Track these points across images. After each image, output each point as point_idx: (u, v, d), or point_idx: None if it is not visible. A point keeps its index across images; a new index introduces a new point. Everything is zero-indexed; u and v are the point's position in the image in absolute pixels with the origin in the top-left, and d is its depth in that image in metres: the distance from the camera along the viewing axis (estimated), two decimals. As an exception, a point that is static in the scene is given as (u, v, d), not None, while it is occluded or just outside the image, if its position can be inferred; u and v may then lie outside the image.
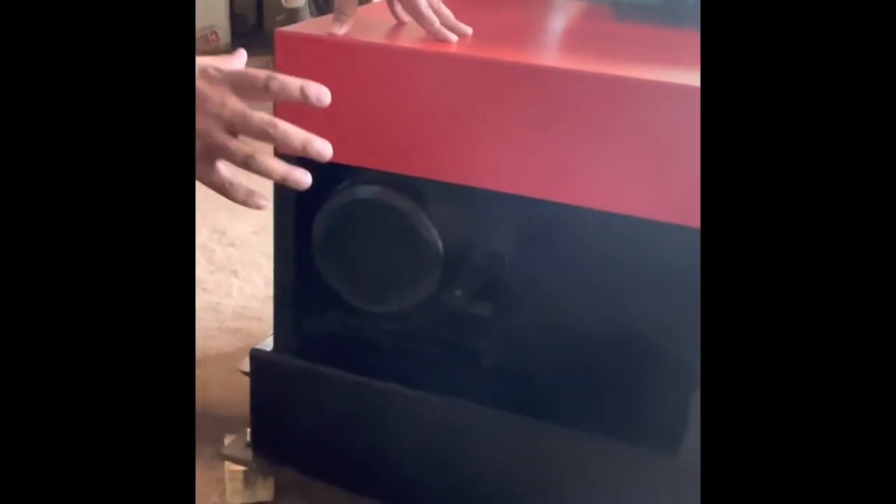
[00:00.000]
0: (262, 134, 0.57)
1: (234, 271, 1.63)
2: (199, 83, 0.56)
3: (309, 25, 0.74)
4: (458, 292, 0.83)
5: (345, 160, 0.72)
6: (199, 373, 1.26)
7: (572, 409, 0.78)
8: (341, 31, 0.70)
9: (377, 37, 0.72)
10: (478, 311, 0.84)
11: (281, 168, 0.58)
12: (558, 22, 0.93)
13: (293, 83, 0.58)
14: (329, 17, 0.74)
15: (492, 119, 0.67)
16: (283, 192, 0.77)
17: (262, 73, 0.58)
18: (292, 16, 3.46)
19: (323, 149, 0.58)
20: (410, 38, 0.71)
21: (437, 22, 0.70)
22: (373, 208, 0.74)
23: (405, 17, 0.74)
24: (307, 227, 0.79)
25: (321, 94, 0.58)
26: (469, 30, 0.73)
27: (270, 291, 0.85)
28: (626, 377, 0.81)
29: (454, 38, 0.71)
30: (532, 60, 0.66)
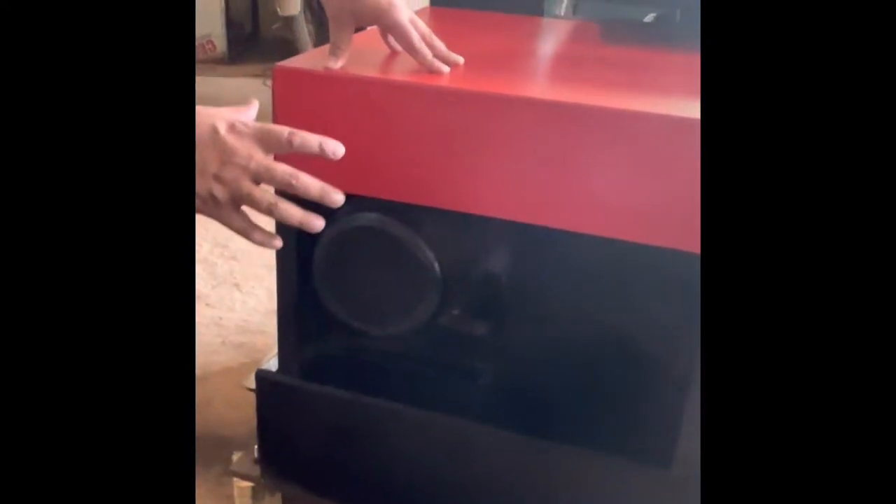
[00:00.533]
0: (285, 185, 0.64)
1: (237, 284, 1.65)
2: (228, 137, 0.61)
3: (306, 59, 0.76)
4: (456, 312, 0.85)
5: (343, 188, 0.74)
6: (204, 390, 1.29)
7: (568, 425, 0.80)
8: (337, 64, 0.72)
9: (372, 69, 0.74)
10: (476, 330, 0.86)
11: (299, 214, 0.65)
12: (547, 46, 0.95)
13: (313, 139, 0.64)
14: (325, 48, 0.76)
15: (483, 148, 0.69)
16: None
17: (284, 130, 0.64)
18: (288, 24, 3.47)
19: (337, 199, 0.66)
20: (404, 70, 0.73)
21: (429, 54, 0.73)
22: (371, 235, 0.76)
23: (398, 46, 0.77)
24: (308, 251, 0.81)
25: (336, 149, 0.64)
26: (461, 59, 0.75)
27: (273, 304, 0.87)
28: (619, 393, 0.84)
29: (446, 69, 0.73)
30: (522, 92, 0.68)
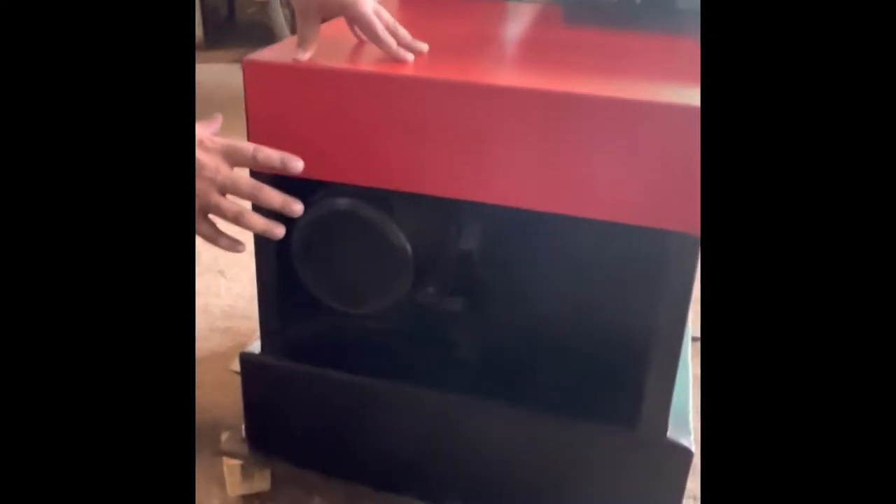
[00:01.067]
0: (250, 196, 0.72)
1: (221, 271, 1.67)
2: (198, 153, 0.67)
3: (275, 51, 0.79)
4: (431, 290, 0.89)
5: (317, 175, 0.78)
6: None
7: (543, 393, 0.85)
8: (305, 56, 0.75)
9: (339, 60, 0.76)
10: (450, 307, 0.90)
11: (262, 222, 0.73)
12: (511, 32, 0.98)
13: (275, 155, 0.72)
14: (293, 39, 0.78)
15: (447, 134, 0.72)
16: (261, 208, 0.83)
17: (249, 147, 0.71)
18: (263, 8, 3.46)
19: (297, 208, 0.74)
20: (370, 60, 0.76)
21: (394, 44, 0.75)
22: (345, 219, 0.79)
23: (364, 36, 0.79)
24: (286, 235, 0.84)
25: (297, 164, 0.72)
26: (425, 47, 0.78)
27: (255, 290, 0.91)
28: (588, 362, 0.88)
29: (410, 57, 0.76)
30: (483, 79, 0.71)
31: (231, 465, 0.98)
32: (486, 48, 0.88)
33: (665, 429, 0.79)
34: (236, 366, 1.10)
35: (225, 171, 0.70)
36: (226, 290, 1.60)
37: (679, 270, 0.71)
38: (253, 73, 0.76)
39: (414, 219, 0.81)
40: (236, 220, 0.71)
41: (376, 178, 0.77)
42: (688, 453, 0.79)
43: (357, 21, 0.76)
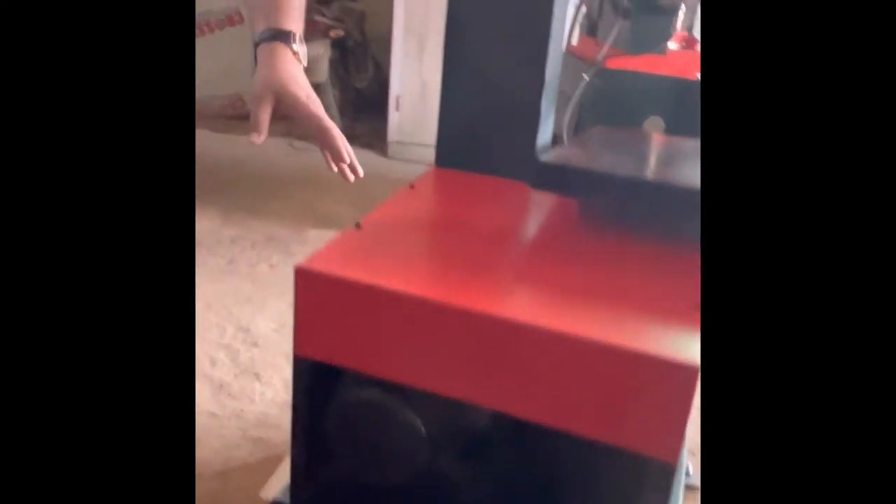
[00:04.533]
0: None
1: (257, 374, 1.79)
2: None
3: (322, 259, 0.91)
4: (445, 458, 1.00)
5: (346, 364, 0.90)
6: (226, 487, 1.43)
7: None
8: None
9: (371, 273, 0.88)
10: (463, 472, 1.01)
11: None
12: (527, 230, 1.09)
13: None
14: (337, 244, 0.91)
15: (453, 347, 0.84)
16: (300, 386, 0.96)
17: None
18: (315, 89, 3.66)
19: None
20: (401, 279, 0.88)
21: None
22: (368, 405, 0.91)
23: (335, 167, 1.06)
24: (319, 405, 0.96)
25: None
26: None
27: (288, 395, 1.01)
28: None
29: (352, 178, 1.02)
30: (487, 308, 0.82)
31: None
32: (499, 256, 0.99)
33: None
34: (266, 493, 1.21)
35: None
36: (260, 396, 1.71)
37: (655, 490, 0.81)
38: (302, 277, 0.89)
39: (428, 402, 0.92)
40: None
41: (394, 373, 0.88)
42: None
43: (316, 131, 1.07)
